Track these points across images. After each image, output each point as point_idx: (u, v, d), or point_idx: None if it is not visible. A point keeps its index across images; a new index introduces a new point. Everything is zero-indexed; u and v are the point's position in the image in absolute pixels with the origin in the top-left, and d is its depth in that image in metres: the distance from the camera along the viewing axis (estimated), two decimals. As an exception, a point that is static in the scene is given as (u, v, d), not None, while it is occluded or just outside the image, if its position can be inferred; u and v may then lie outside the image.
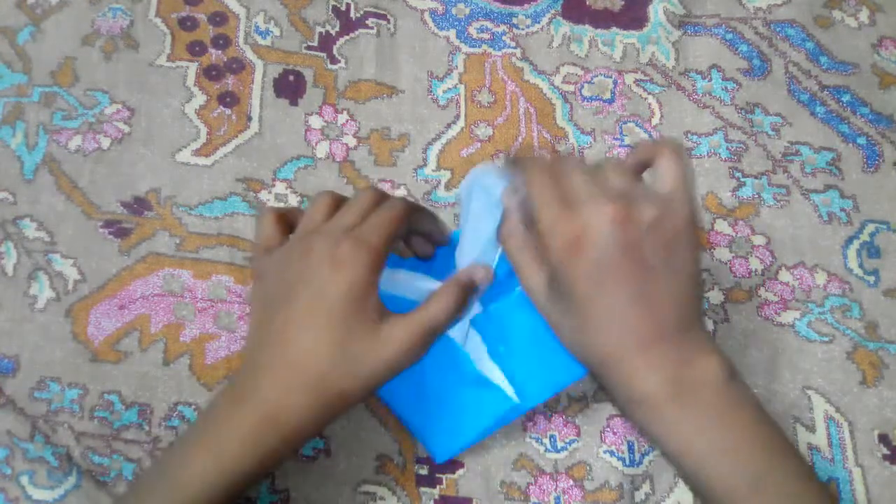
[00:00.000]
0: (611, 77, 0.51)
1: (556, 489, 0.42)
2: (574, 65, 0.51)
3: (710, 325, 0.45)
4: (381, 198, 0.38)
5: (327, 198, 0.38)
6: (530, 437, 0.43)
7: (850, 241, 0.47)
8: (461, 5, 0.53)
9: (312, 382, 0.34)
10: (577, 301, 0.35)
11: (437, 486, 0.41)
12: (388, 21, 0.52)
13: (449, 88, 0.50)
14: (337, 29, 0.52)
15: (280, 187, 0.47)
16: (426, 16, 0.52)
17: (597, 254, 0.34)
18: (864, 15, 0.53)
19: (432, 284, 0.38)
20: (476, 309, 0.40)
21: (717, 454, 0.33)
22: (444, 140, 0.49)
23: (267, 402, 0.34)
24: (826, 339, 0.45)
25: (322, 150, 0.48)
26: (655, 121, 0.50)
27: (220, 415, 0.34)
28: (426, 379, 0.40)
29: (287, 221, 0.39)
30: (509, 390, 0.40)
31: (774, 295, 0.46)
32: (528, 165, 0.37)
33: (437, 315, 0.35)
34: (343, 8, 0.52)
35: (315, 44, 0.51)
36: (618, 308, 0.34)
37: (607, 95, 0.50)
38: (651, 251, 0.34)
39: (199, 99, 0.49)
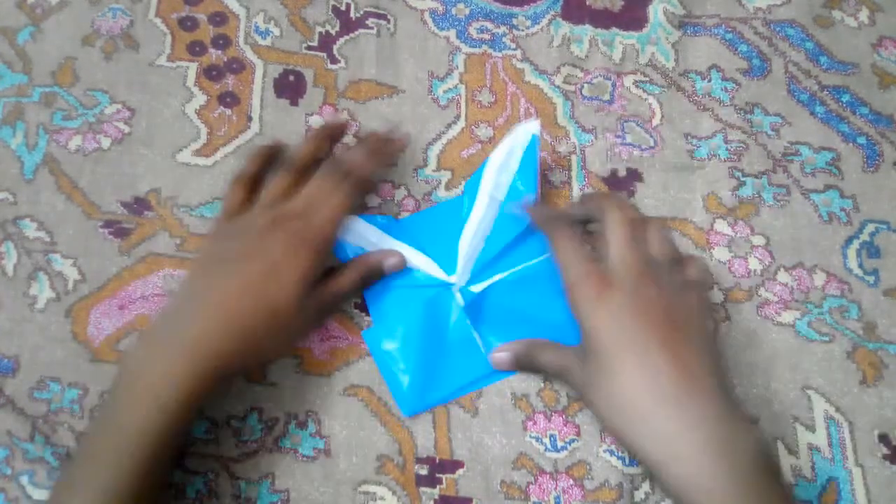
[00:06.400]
0: (610, 79, 0.51)
1: (556, 488, 0.42)
2: (574, 66, 0.51)
3: (709, 325, 0.45)
4: (341, 175, 0.42)
5: (285, 178, 0.42)
6: (530, 437, 0.43)
7: (849, 241, 0.47)
8: (461, 5, 0.53)
9: (228, 335, 0.37)
10: (601, 352, 0.35)
11: (437, 486, 0.41)
12: (388, 21, 0.52)
13: (449, 88, 0.50)
14: (337, 29, 0.52)
15: (280, 187, 0.47)
16: (426, 16, 0.52)
17: (623, 301, 0.35)
18: (864, 15, 0.53)
19: (384, 241, 0.44)
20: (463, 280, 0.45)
21: None
22: (444, 140, 0.49)
23: (198, 347, 0.36)
24: (826, 338, 0.45)
25: (322, 150, 0.48)
26: (656, 121, 0.50)
27: (156, 366, 0.36)
28: (424, 334, 0.44)
29: (256, 183, 0.43)
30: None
31: (774, 295, 0.46)
32: (554, 228, 0.41)
33: (342, 286, 0.42)
34: (343, 8, 0.52)
35: (315, 44, 0.51)
36: (644, 357, 0.34)
37: (606, 97, 0.50)
38: (675, 313, 0.35)
39: (200, 99, 0.49)
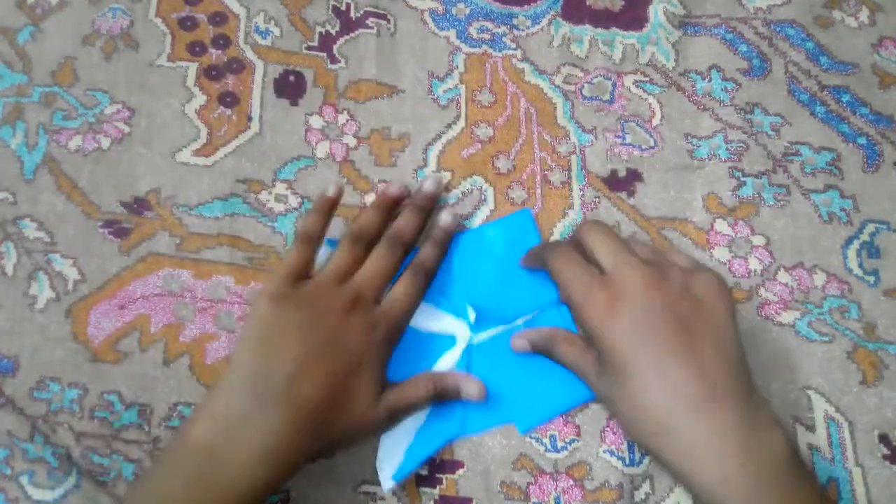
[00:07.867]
0: (610, 79, 0.51)
1: (556, 489, 0.42)
2: (574, 66, 0.51)
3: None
4: (402, 249, 0.42)
5: (354, 251, 0.41)
6: (530, 437, 0.43)
7: (850, 241, 0.47)
8: (461, 5, 0.53)
9: (310, 428, 0.35)
10: (619, 366, 0.35)
11: (437, 486, 0.41)
12: (388, 21, 0.52)
13: (450, 88, 0.50)
14: (337, 29, 0.52)
15: (280, 188, 0.47)
16: (426, 16, 0.52)
17: (634, 313, 0.35)
18: (864, 15, 0.53)
19: (437, 323, 0.43)
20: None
21: None
22: (444, 140, 0.49)
23: (267, 436, 0.34)
24: (826, 338, 0.45)
25: (322, 150, 0.48)
26: (656, 121, 0.50)
27: (218, 447, 0.34)
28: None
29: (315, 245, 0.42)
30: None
31: (774, 295, 0.46)
32: (551, 253, 0.40)
33: (408, 400, 0.39)
34: (343, 8, 0.52)
35: (315, 44, 0.51)
36: (662, 367, 0.34)
37: (606, 97, 0.50)
38: (688, 311, 0.35)
39: (200, 99, 0.49)
